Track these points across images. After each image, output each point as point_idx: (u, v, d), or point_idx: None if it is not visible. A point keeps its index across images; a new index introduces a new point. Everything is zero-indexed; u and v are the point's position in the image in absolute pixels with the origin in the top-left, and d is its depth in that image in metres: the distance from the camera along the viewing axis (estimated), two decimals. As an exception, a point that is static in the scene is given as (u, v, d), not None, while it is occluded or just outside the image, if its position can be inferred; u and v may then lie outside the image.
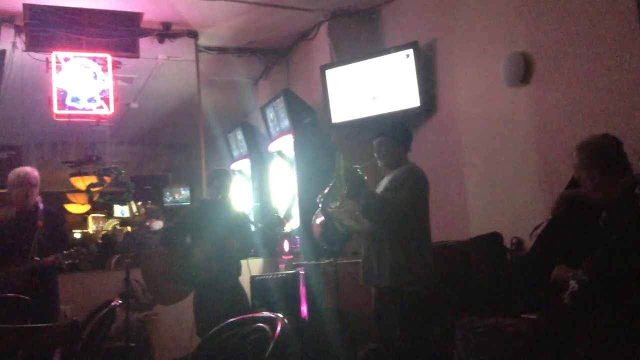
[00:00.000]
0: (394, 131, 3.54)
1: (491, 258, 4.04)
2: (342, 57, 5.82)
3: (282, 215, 6.37)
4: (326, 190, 3.48)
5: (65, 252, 4.31)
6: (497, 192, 4.50)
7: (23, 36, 5.51)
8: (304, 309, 5.21)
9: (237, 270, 4.58)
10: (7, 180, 4.32)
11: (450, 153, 5.00)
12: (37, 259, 4.16)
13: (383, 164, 3.54)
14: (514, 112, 4.32)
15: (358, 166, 3.43)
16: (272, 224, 5.30)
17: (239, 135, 7.20)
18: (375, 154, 3.53)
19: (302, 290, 5.26)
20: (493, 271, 3.93)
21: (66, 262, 4.33)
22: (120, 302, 2.94)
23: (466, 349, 2.93)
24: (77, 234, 10.38)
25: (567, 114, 3.87)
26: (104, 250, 8.01)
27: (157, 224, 7.81)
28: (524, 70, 4.16)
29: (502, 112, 4.44)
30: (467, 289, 3.88)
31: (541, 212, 3.83)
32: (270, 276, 5.50)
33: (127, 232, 8.82)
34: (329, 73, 5.63)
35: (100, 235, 9.57)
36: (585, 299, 2.29)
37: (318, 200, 3.51)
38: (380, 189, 3.49)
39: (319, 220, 3.67)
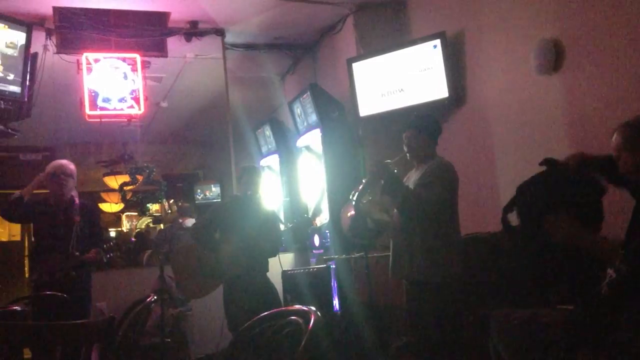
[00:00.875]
0: (423, 124, 3.52)
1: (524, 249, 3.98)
2: (369, 49, 5.78)
3: (311, 212, 6.39)
4: (360, 187, 3.47)
5: (105, 245, 4.41)
6: (529, 182, 4.42)
7: (54, 39, 5.61)
8: (336, 302, 5.23)
9: (265, 266, 4.61)
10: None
11: (481, 144, 4.93)
12: (78, 254, 4.24)
13: (412, 157, 3.52)
14: (545, 102, 4.23)
15: (390, 161, 3.42)
16: (302, 224, 5.33)
17: (267, 131, 7.23)
18: (404, 148, 3.51)
19: (334, 284, 5.28)
20: (527, 262, 3.87)
21: (107, 255, 4.42)
22: (156, 298, 2.97)
23: (501, 340, 2.89)
24: (112, 232, 10.58)
25: (601, 102, 3.76)
26: (138, 247, 8.15)
27: (190, 222, 7.89)
28: (555, 58, 4.05)
29: (533, 101, 4.36)
30: (502, 280, 3.84)
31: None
32: (302, 271, 5.53)
33: (160, 229, 8.95)
34: (355, 66, 5.60)
35: (134, 234, 9.73)
36: (623, 288, 2.24)
37: (351, 197, 3.51)
38: (409, 182, 3.47)
39: (349, 213, 3.67)
